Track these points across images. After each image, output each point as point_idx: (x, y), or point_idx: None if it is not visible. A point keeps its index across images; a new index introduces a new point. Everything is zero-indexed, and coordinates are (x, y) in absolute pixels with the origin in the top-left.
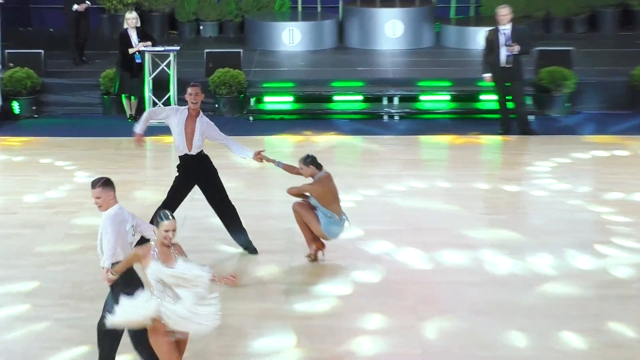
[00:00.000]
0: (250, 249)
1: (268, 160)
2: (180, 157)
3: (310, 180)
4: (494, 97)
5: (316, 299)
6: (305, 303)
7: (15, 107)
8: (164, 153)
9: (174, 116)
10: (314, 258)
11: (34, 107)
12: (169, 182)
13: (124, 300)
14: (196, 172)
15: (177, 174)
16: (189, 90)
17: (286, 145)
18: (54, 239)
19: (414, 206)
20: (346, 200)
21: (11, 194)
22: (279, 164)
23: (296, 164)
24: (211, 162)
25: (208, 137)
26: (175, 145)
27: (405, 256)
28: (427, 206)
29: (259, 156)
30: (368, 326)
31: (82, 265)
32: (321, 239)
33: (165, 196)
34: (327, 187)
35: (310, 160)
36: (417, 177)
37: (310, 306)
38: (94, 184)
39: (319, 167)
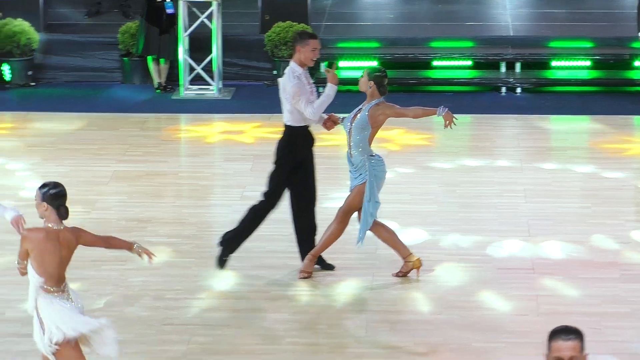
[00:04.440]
0: (323, 263)
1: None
2: (301, 130)
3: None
4: None
5: (401, 332)
6: (390, 337)
7: (5, 71)
8: (204, 136)
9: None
10: (403, 275)
11: (29, 73)
12: (210, 174)
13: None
14: (310, 150)
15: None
16: (312, 42)
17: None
18: None
19: (541, 210)
20: (445, 205)
21: (7, 189)
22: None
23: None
24: None
25: None
26: (301, 116)
27: (534, 278)
28: (559, 210)
29: (330, 123)
30: None
31: (93, 283)
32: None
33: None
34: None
35: (374, 75)
36: (545, 172)
37: (397, 341)
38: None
39: (381, 89)
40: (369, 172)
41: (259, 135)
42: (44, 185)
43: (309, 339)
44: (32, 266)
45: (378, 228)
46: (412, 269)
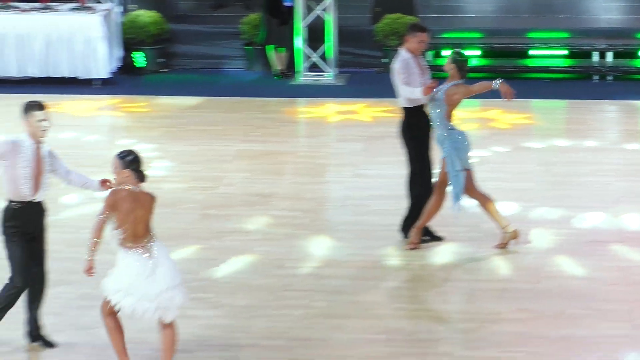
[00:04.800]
0: (432, 235)
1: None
2: (416, 110)
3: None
4: None
5: (502, 300)
6: (492, 304)
7: (138, 59)
8: (320, 118)
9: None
10: (503, 246)
11: (160, 60)
12: (326, 154)
13: None
14: (427, 129)
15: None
16: (420, 35)
17: (468, 111)
18: (188, 218)
19: (630, 188)
20: (541, 184)
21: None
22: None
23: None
24: None
25: None
26: (413, 97)
27: (623, 251)
28: None
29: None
30: (570, 334)
31: (219, 253)
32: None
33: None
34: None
35: (457, 59)
36: (635, 153)
37: (496, 308)
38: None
39: (461, 72)
40: (449, 145)
41: (373, 115)
42: (121, 153)
43: (415, 305)
44: (113, 221)
45: (482, 198)
46: (509, 240)
